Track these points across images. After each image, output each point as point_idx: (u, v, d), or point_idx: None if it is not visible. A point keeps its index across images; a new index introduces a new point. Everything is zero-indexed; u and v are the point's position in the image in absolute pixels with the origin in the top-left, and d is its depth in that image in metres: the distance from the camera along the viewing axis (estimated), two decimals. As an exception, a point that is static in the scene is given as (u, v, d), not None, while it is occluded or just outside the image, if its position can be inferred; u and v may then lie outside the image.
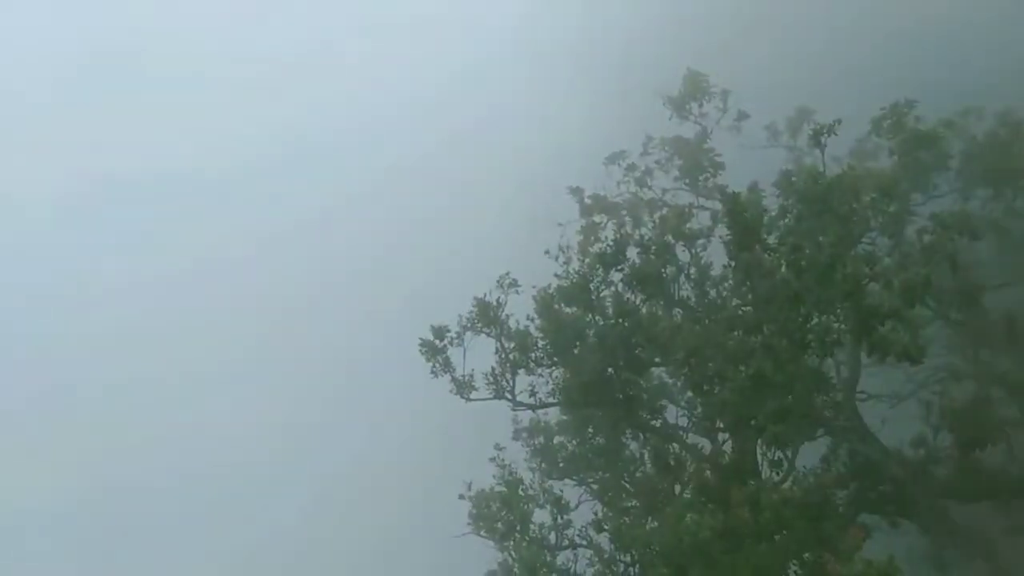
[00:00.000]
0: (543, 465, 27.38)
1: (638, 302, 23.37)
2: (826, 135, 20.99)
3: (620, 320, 22.93)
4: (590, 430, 26.31)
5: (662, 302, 24.30)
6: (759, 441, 21.26)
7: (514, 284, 23.76)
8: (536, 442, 27.85)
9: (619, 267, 22.62)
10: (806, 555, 19.61)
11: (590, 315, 23.55)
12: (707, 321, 23.25)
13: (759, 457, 21.52)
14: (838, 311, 18.90)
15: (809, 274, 18.59)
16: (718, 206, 26.41)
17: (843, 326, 18.90)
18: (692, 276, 24.23)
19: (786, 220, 21.24)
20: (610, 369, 23.10)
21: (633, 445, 27.06)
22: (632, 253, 23.52)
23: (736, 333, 20.85)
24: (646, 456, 26.50)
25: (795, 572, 19.64)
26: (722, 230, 23.67)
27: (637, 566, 22.07)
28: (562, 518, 23.49)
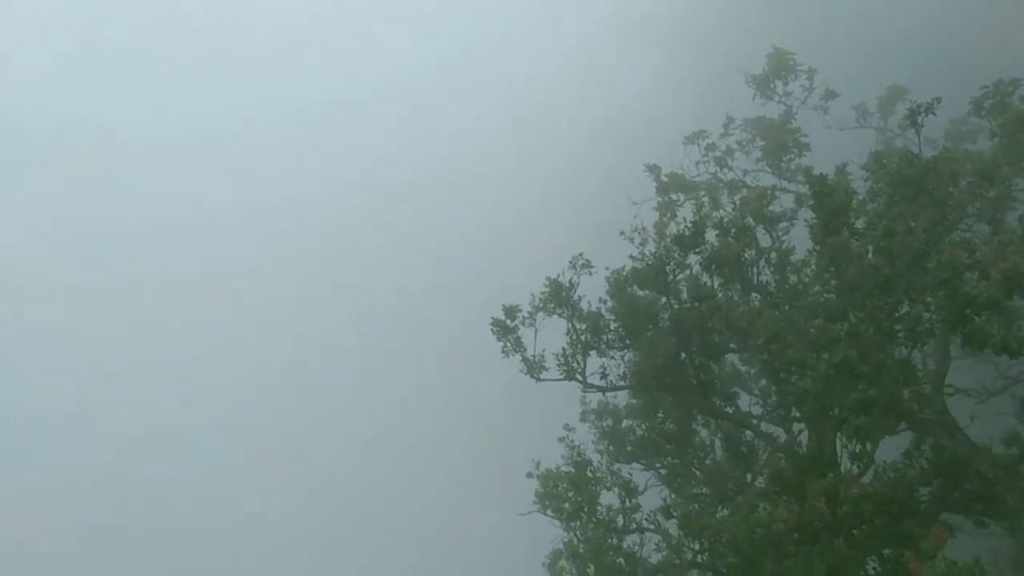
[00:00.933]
0: (611, 448, 27.18)
1: (715, 286, 22.83)
2: (923, 114, 19.92)
3: (696, 304, 22.43)
4: (660, 414, 25.93)
5: (739, 287, 23.67)
6: (838, 433, 20.61)
7: (587, 265, 23.47)
8: (604, 425, 27.68)
9: (697, 249, 22.06)
10: (885, 552, 18.95)
11: (664, 298, 23.15)
12: (787, 307, 22.52)
13: (838, 449, 20.85)
14: (930, 300, 18.00)
15: (900, 260, 17.73)
16: (801, 188, 25.53)
17: (935, 316, 18.00)
18: (772, 260, 23.44)
19: (875, 204, 20.31)
20: (683, 354, 22.68)
21: (704, 432, 26.65)
22: (710, 236, 22.99)
23: (818, 320, 20.14)
24: (717, 443, 26.12)
25: (873, 569, 19.01)
26: (806, 213, 22.97)
27: (706, 554, 21.77)
28: (630, 502, 23.27)
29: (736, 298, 23.32)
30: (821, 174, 19.88)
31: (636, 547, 22.80)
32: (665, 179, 28.71)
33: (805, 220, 21.48)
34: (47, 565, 62.54)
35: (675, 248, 22.01)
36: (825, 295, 21.42)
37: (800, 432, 22.79)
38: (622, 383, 23.93)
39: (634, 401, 26.85)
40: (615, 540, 22.35)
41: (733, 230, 23.26)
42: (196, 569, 63.03)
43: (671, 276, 22.82)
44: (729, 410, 24.15)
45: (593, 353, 23.63)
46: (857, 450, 20.01)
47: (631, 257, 23.12)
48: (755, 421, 24.37)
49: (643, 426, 26.56)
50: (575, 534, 22.51)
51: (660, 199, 28.00)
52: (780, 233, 23.83)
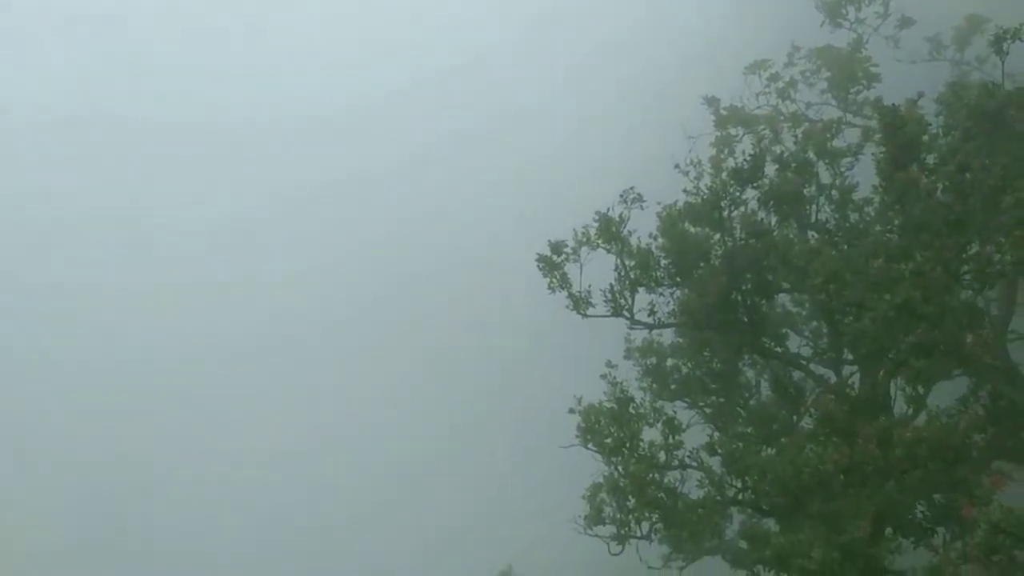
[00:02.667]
0: (654, 386, 27.00)
1: (772, 223, 22.12)
2: (1010, 40, 18.61)
3: (751, 241, 21.80)
4: (707, 353, 25.60)
5: (796, 224, 22.92)
6: (894, 376, 20.12)
7: (639, 199, 22.84)
8: (648, 362, 27.43)
9: (755, 184, 21.30)
10: (936, 496, 18.65)
11: (718, 235, 22.55)
12: (846, 247, 21.79)
13: (892, 392, 20.39)
14: (1002, 240, 17.15)
15: (974, 198, 16.85)
16: (868, 122, 24.42)
17: (1007, 257, 17.17)
18: (833, 198, 22.57)
19: (948, 138, 19.26)
20: (735, 292, 22.18)
21: (750, 372, 26.31)
22: (769, 171, 22.19)
23: (879, 260, 19.43)
24: (763, 384, 25.78)
25: (922, 513, 18.76)
26: (871, 149, 21.98)
27: (749, 492, 21.67)
28: (673, 438, 23.05)
29: (793, 236, 22.63)
30: (893, 104, 18.86)
31: (677, 483, 22.72)
32: (724, 112, 27.69)
33: (872, 154, 20.51)
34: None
35: (732, 182, 21.29)
36: (887, 235, 20.60)
37: (852, 375, 22.30)
38: (670, 321, 23.57)
39: (680, 340, 26.53)
40: (656, 475, 22.24)
41: (793, 165, 22.43)
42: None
43: (726, 212, 22.17)
44: (779, 350, 23.71)
45: (641, 290, 23.23)
46: (913, 394, 19.55)
47: (685, 191, 22.45)
48: (804, 363, 23.92)
49: (688, 364, 26.30)
50: (616, 468, 22.46)
51: (717, 133, 27.05)
52: (843, 169, 22.86)
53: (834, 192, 22.80)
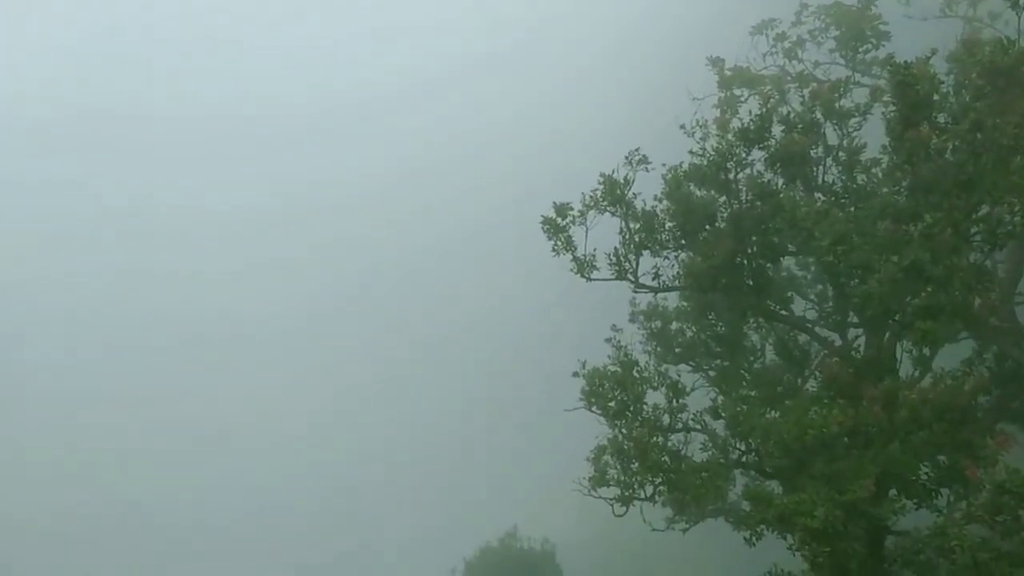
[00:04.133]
0: (659, 349, 26.94)
1: (779, 185, 21.84)
2: (1028, -6, 18.16)
3: (757, 203, 21.55)
4: (711, 316, 25.53)
5: (801, 186, 22.64)
6: (899, 338, 20.02)
7: (644, 161, 22.53)
8: (653, 326, 27.33)
9: (761, 145, 20.98)
10: (940, 458, 18.68)
11: (723, 197, 22.29)
12: (852, 208, 21.54)
13: (898, 354, 20.32)
14: (1014, 201, 16.90)
15: (985, 158, 16.56)
16: (877, 82, 23.99)
17: (1018, 218, 16.95)
18: (840, 159, 22.25)
19: (960, 97, 18.89)
20: (740, 255, 22.00)
21: (754, 336, 26.24)
22: (775, 132, 21.84)
23: (887, 222, 19.22)
24: (768, 347, 25.72)
25: (926, 474, 18.80)
26: (880, 109, 21.61)
27: (753, 454, 21.74)
28: (677, 402, 23.12)
29: (799, 198, 22.36)
30: (904, 62, 18.46)
31: (681, 446, 22.79)
32: (729, 73, 27.16)
33: (882, 114, 20.15)
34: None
35: (738, 143, 20.96)
36: (895, 196, 20.34)
37: (857, 338, 22.22)
38: (675, 284, 23.40)
39: (685, 303, 26.42)
40: (660, 439, 22.32)
41: (800, 125, 22.06)
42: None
43: (731, 174, 21.88)
44: (784, 313, 23.60)
45: (646, 253, 23.05)
46: (919, 356, 19.48)
47: (691, 153, 22.11)
48: (809, 326, 23.82)
49: (693, 328, 26.21)
50: (620, 431, 22.51)
51: (722, 94, 26.57)
52: (851, 130, 22.50)
53: (841, 153, 22.47)
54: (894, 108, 18.63)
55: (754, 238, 21.84)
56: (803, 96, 22.94)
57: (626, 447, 21.95)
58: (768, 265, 22.78)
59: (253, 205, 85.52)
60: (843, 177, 22.37)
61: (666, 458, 21.78)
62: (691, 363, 26.31)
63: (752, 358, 25.59)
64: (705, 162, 21.83)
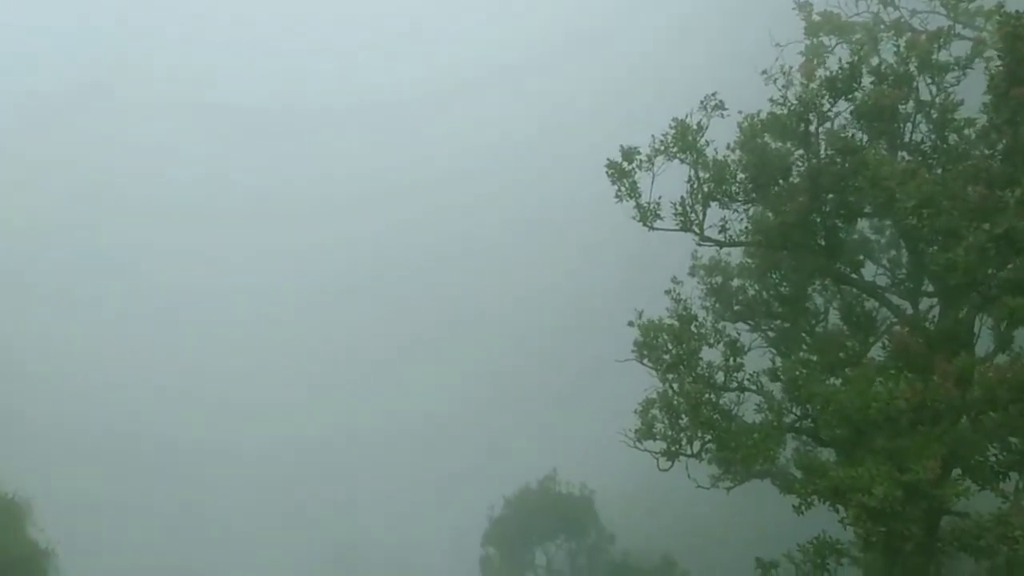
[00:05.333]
0: (717, 306, 26.09)
1: (862, 141, 20.50)
2: None
3: (837, 159, 20.30)
4: (775, 275, 24.53)
5: (886, 143, 21.22)
6: (980, 311, 18.85)
7: (720, 107, 21.35)
8: (714, 281, 26.44)
9: (849, 96, 19.62)
10: (1012, 440, 17.68)
11: (801, 150, 21.07)
12: (940, 170, 20.14)
13: (976, 328, 19.17)
14: None
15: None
16: (980, 34, 22.18)
17: None
18: (932, 116, 20.73)
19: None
20: (815, 213, 20.87)
21: (819, 299, 25.21)
22: (864, 83, 20.40)
23: (979, 187, 17.88)
24: (832, 310, 24.68)
25: (995, 456, 17.86)
26: (983, 64, 19.98)
27: (808, 420, 21.04)
28: (734, 360, 22.44)
29: (882, 156, 20.99)
30: (1016, 12, 16.86)
31: (734, 405, 22.19)
32: (817, 18, 25.42)
33: (985, 69, 18.59)
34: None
35: (824, 93, 19.61)
36: (990, 159, 18.91)
37: (931, 308, 21.05)
38: (742, 239, 22.43)
39: (749, 260, 25.43)
40: (713, 396, 21.75)
41: (891, 78, 20.56)
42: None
43: (812, 126, 20.60)
44: (854, 277, 22.50)
45: (714, 205, 22.05)
46: (1000, 332, 18.32)
47: (771, 101, 20.84)
48: (880, 292, 22.68)
49: (755, 286, 25.29)
50: (671, 386, 21.98)
51: (808, 41, 24.91)
52: (947, 85, 20.88)
53: (933, 111, 20.93)
54: (1000, 63, 17.11)
55: (830, 196, 20.69)
56: (897, 46, 21.26)
57: (676, 402, 21.47)
58: (842, 225, 21.65)
59: (305, 189, 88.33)
60: (933, 136, 20.89)
61: (717, 416, 21.25)
62: (750, 322, 25.46)
63: (814, 321, 24.61)
64: (785, 112, 20.59)
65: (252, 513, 62.89)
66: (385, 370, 70.10)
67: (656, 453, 21.58)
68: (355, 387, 70.24)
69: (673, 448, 21.31)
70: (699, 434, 21.06)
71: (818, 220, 20.98)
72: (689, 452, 21.29)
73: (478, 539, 46.53)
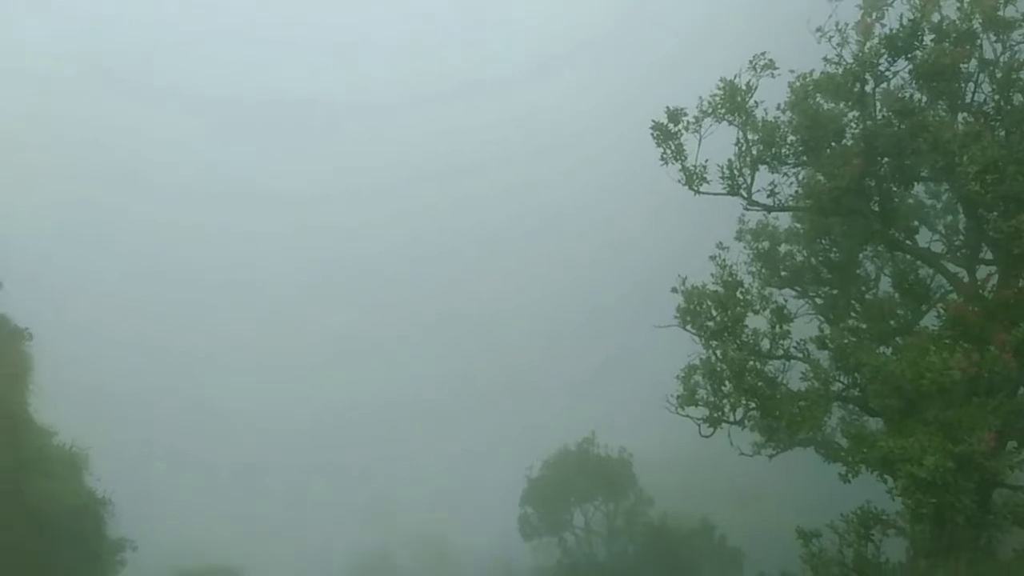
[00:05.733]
0: (764, 271, 25.70)
1: (921, 102, 19.68)
2: None
3: (894, 121, 19.55)
4: (824, 241, 23.96)
5: (946, 105, 20.33)
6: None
7: (770, 66, 20.61)
8: (760, 246, 25.98)
9: (909, 55, 18.80)
10: (1069, 413, 17.18)
11: (855, 112, 20.32)
12: (1004, 133, 19.29)
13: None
14: None
15: None
16: (1053, -12, 20.92)
17: None
18: (997, 76, 19.78)
19: None
20: (869, 177, 20.19)
21: (870, 265, 24.60)
22: (925, 41, 19.51)
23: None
24: (883, 278, 24.06)
25: (1050, 429, 17.40)
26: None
27: (857, 389, 20.66)
28: (780, 327, 21.96)
29: (942, 119, 20.14)
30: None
31: (779, 373, 21.85)
32: (875, -30, 24.25)
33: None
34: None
35: (882, 52, 18.82)
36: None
37: (989, 276, 20.34)
38: (792, 203, 21.84)
39: (798, 224, 24.85)
40: (757, 363, 21.39)
41: (953, 35, 19.61)
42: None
43: (869, 86, 19.84)
44: (908, 243, 21.85)
45: (763, 168, 21.43)
46: (1063, 303, 17.68)
47: (825, 59, 20.08)
48: (935, 259, 21.99)
49: (804, 252, 24.78)
50: (714, 352, 21.68)
51: (866, -5, 23.77)
52: (1013, 43, 19.88)
53: (997, 71, 19.97)
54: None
55: (886, 159, 19.99)
56: (961, 2, 20.22)
57: (719, 368, 21.18)
58: (896, 190, 20.94)
59: (318, 181, 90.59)
60: (997, 96, 19.94)
61: (761, 383, 20.93)
62: (797, 288, 25.03)
63: (864, 288, 24.10)
64: (840, 71, 19.84)
65: (296, 469, 64.75)
66: (426, 337, 71.19)
67: (698, 419, 21.40)
68: (395, 353, 71.54)
69: (715, 415, 21.12)
70: (743, 401, 20.77)
71: (872, 184, 20.33)
72: (732, 419, 21.08)
73: (517, 499, 47.11)
